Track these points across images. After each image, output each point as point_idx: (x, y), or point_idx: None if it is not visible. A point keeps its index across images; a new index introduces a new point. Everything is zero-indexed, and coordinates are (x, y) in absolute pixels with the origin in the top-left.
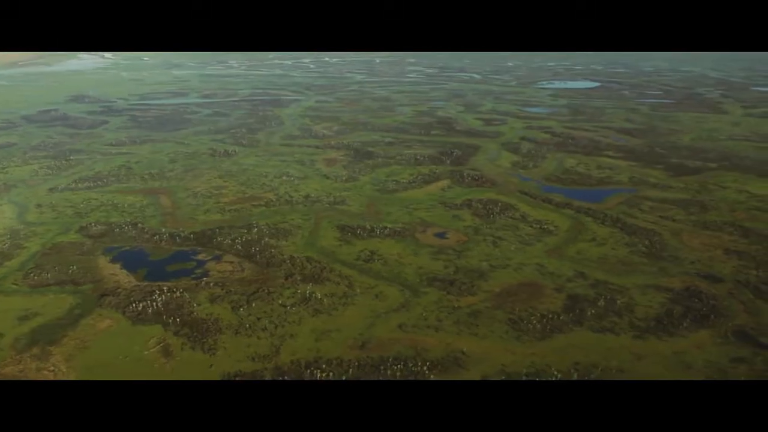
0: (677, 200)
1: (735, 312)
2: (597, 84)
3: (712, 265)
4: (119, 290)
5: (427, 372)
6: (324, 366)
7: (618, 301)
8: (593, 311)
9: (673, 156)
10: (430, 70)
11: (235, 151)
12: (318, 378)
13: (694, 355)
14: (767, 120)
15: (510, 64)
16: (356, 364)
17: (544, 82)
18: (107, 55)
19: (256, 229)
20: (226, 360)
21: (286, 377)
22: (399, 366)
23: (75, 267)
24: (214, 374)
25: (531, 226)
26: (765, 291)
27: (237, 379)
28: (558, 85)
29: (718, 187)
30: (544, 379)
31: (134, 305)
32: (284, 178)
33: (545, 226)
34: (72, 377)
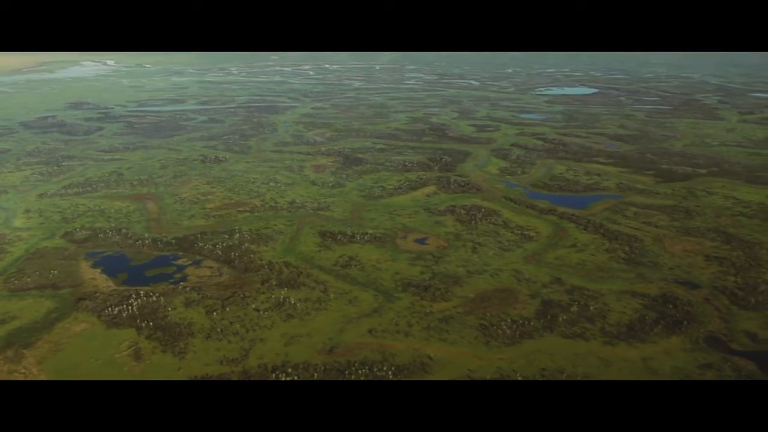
0: (663, 206)
1: (709, 318)
2: (595, 90)
3: (691, 271)
4: (97, 294)
5: (391, 377)
6: (290, 370)
7: (591, 307)
8: (565, 317)
9: (664, 162)
10: (429, 77)
11: (225, 158)
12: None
13: (662, 362)
14: (762, 126)
15: (509, 70)
16: (322, 368)
17: (542, 89)
18: (110, 62)
19: (237, 235)
20: (195, 363)
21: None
22: (364, 370)
23: (56, 271)
24: (181, 377)
25: (512, 232)
26: (741, 297)
27: (203, 379)
28: (555, 91)
29: (706, 193)
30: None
31: (110, 309)
32: (271, 184)
33: (526, 232)
34: (42, 379)
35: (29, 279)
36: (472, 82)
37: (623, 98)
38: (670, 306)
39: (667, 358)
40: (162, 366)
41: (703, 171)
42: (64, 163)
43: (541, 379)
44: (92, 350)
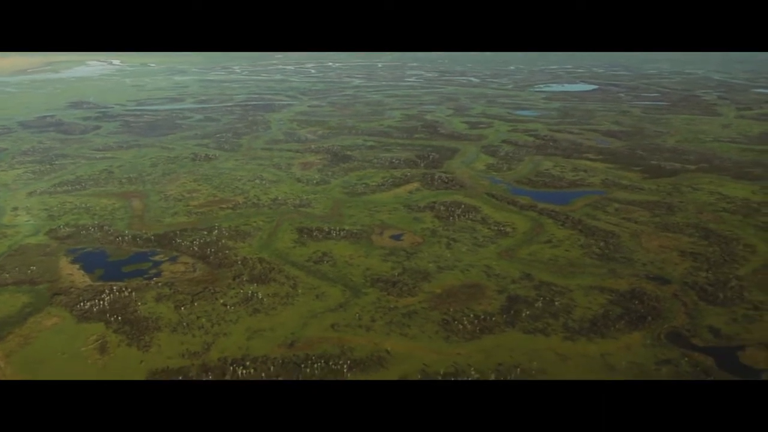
0: (645, 202)
1: (674, 314)
2: (594, 87)
3: (663, 266)
4: (72, 290)
5: (345, 371)
6: (248, 363)
7: (557, 303)
8: (529, 312)
9: (654, 158)
10: (430, 74)
11: (215, 156)
12: (240, 374)
13: (620, 357)
14: (759, 122)
15: (512, 67)
16: (280, 362)
17: (542, 85)
18: (115, 61)
19: (216, 231)
20: (158, 356)
21: (210, 374)
22: (320, 364)
23: (35, 267)
24: (142, 369)
25: (489, 228)
26: (711, 293)
27: (162, 378)
28: (555, 88)
29: (691, 189)
30: (461, 378)
31: (82, 304)
32: (257, 181)
33: (503, 228)
34: (8, 372)
35: (8, 275)
36: (472, 79)
37: (622, 94)
38: (637, 301)
39: (625, 354)
40: (125, 359)
41: (692, 167)
42: (57, 162)
43: (494, 374)
44: (60, 344)
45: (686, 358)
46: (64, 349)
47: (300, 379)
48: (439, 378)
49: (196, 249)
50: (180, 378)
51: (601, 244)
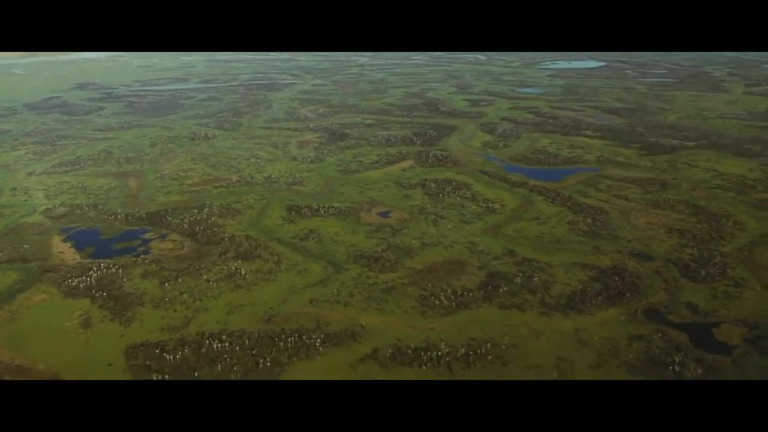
0: (639, 179)
1: (654, 290)
2: (602, 63)
3: (649, 243)
4: (62, 267)
5: (318, 345)
6: (224, 337)
7: (536, 279)
8: (507, 288)
9: (653, 135)
10: (437, 52)
11: (214, 135)
12: (216, 348)
13: (593, 332)
14: (766, 98)
15: None
16: (256, 336)
17: (549, 62)
18: None
19: (207, 209)
20: (138, 331)
21: (187, 347)
22: (294, 338)
23: (28, 246)
24: (122, 344)
25: (477, 205)
26: (693, 269)
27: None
28: (562, 65)
29: (688, 165)
30: (431, 353)
31: (70, 281)
32: (252, 160)
33: (492, 205)
34: None
35: (1, 253)
36: (479, 56)
37: (629, 71)
38: (617, 278)
39: (599, 329)
40: (107, 333)
41: (691, 144)
42: (58, 143)
43: (467, 348)
44: (46, 319)
45: (660, 335)
46: (49, 323)
47: (275, 354)
48: (410, 352)
49: (185, 227)
50: (157, 351)
51: (589, 221)
